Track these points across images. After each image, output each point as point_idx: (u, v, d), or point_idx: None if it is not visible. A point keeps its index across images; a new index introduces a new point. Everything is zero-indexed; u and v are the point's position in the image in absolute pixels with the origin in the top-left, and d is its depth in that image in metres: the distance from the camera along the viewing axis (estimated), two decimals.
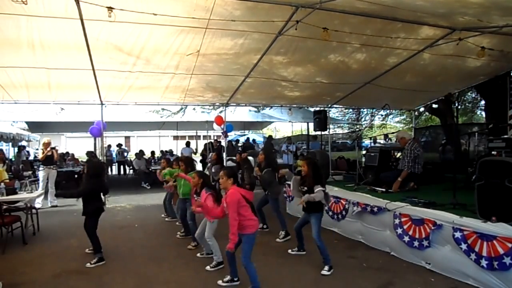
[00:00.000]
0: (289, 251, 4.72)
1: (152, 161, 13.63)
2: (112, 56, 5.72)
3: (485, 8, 4.25)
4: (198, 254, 4.62)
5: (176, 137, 21.95)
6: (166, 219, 6.70)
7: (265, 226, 5.87)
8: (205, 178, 4.41)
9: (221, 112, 10.90)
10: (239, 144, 15.45)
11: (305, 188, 4.15)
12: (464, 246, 3.62)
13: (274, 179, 5.54)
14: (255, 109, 13.43)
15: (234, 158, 7.16)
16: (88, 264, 4.32)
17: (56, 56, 5.58)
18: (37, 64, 5.82)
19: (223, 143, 11.73)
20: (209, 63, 6.34)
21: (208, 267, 4.16)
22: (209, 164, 8.30)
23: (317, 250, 4.16)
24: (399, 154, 6.69)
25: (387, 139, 13.51)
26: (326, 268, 4.05)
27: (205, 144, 13.07)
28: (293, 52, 6.06)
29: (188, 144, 13.23)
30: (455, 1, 4.10)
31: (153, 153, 14.57)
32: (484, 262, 3.44)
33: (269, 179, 5.50)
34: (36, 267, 4.32)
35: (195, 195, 4.35)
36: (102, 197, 4.81)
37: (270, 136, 16.73)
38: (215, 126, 10.26)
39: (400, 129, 18.93)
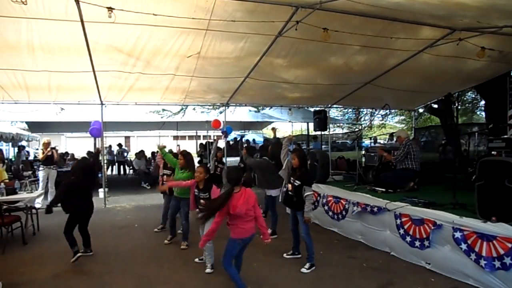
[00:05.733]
0: (284, 255, 4.60)
1: (152, 161, 13.62)
2: (113, 57, 5.73)
3: (484, 10, 4.26)
4: (197, 259, 4.46)
5: (176, 137, 21.96)
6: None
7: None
8: (211, 173, 4.34)
9: (221, 112, 10.88)
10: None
11: (297, 182, 4.20)
12: (464, 246, 3.62)
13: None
14: (255, 109, 13.42)
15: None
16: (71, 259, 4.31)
17: (56, 59, 5.60)
18: (38, 67, 5.83)
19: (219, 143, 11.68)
20: (210, 67, 6.34)
21: (208, 270, 4.11)
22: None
23: (317, 250, 4.17)
24: None
25: (388, 140, 13.49)
26: (307, 265, 4.11)
27: (202, 144, 13.03)
28: (294, 55, 6.07)
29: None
30: (453, 4, 4.10)
31: (153, 153, 14.54)
32: (483, 262, 3.44)
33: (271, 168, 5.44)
34: (36, 267, 4.31)
35: (196, 190, 4.22)
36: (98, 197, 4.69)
37: (278, 139, 16.66)
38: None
39: (400, 129, 18.93)
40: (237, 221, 3.31)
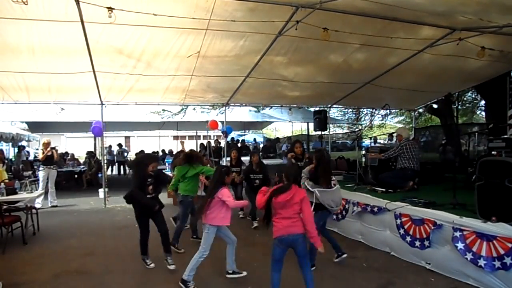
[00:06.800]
0: (334, 259, 4.36)
1: None
2: (113, 59, 5.73)
3: (484, 6, 4.26)
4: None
5: (176, 137, 21.95)
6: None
7: None
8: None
9: (221, 112, 10.87)
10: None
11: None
12: (461, 246, 3.61)
13: None
14: (255, 109, 13.43)
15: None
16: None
17: (56, 60, 5.60)
18: (38, 69, 5.84)
19: (223, 144, 11.71)
20: (210, 65, 6.34)
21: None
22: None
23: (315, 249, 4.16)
24: None
25: (388, 140, 13.48)
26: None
27: (202, 144, 13.02)
28: (293, 53, 6.06)
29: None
30: None
31: (154, 153, 14.53)
32: (483, 262, 3.44)
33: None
34: (36, 267, 4.31)
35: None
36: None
37: (277, 138, 16.75)
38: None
39: (402, 127, 18.83)
40: (275, 216, 3.26)
